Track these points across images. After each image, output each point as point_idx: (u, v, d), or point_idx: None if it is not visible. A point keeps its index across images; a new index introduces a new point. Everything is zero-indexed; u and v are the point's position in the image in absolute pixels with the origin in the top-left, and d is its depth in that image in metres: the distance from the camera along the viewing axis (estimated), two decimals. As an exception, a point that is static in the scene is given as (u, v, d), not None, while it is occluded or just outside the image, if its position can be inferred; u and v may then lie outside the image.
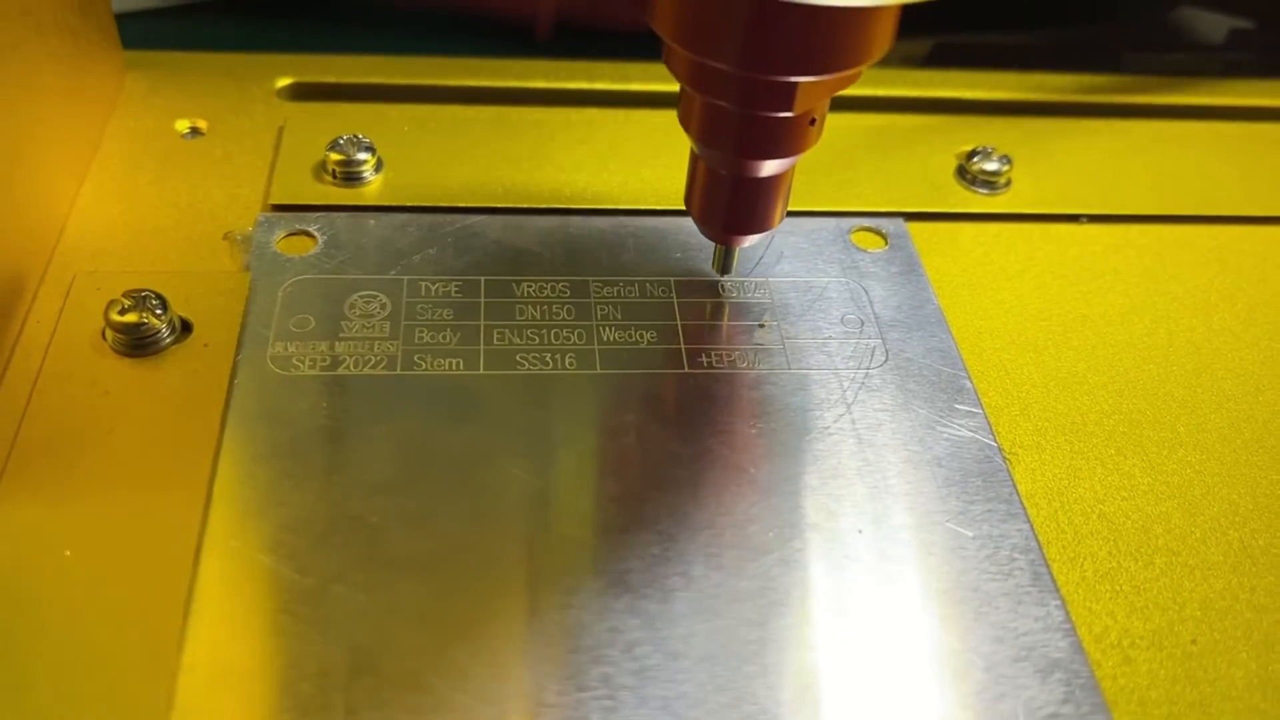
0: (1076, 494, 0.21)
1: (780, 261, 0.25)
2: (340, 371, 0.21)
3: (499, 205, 0.26)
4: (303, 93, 0.30)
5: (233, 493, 0.19)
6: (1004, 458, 0.21)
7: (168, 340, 0.22)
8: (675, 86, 0.21)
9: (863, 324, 0.24)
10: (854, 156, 0.29)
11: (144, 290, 0.22)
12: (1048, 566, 0.20)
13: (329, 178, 0.26)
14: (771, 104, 0.19)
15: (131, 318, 0.21)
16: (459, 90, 0.30)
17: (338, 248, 0.24)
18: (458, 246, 0.25)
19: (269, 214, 0.25)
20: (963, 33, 0.38)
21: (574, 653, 0.18)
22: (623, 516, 0.20)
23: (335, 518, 0.19)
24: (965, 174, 0.28)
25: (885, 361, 0.23)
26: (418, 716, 0.17)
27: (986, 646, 0.18)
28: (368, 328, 0.22)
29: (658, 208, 0.26)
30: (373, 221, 0.25)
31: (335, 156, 0.26)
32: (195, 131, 0.28)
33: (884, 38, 0.19)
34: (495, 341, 0.22)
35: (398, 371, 0.22)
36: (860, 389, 0.22)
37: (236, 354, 0.22)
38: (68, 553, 0.18)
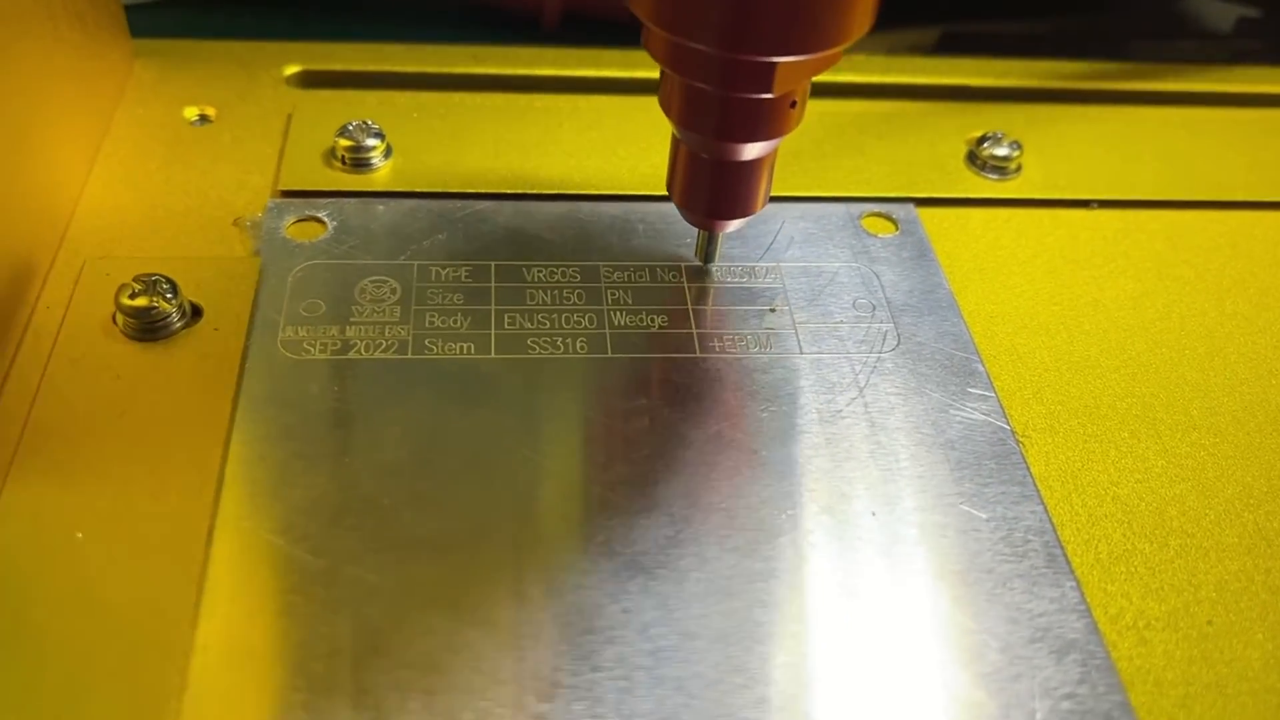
0: (1090, 477, 0.21)
1: (791, 247, 0.25)
2: (351, 356, 0.21)
3: (508, 191, 0.26)
4: (311, 80, 0.30)
5: (244, 475, 0.19)
6: (1017, 441, 0.21)
7: (178, 325, 0.22)
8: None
9: (874, 308, 0.24)
10: (864, 143, 0.29)
11: (154, 275, 0.22)
12: (1062, 548, 0.19)
13: (338, 164, 0.26)
14: (751, 85, 0.19)
15: (142, 302, 0.21)
16: (468, 78, 0.30)
17: (347, 233, 0.24)
18: (467, 232, 0.25)
19: (278, 200, 0.25)
20: (972, 21, 0.38)
21: (588, 633, 0.18)
22: (635, 499, 0.20)
23: (347, 500, 0.19)
24: (975, 159, 0.28)
25: (897, 345, 0.23)
26: (431, 696, 0.17)
27: (1001, 627, 0.18)
28: (378, 312, 0.22)
29: (667, 193, 0.26)
30: (382, 207, 0.25)
31: (344, 143, 0.26)
32: (204, 119, 0.28)
33: (864, 17, 0.18)
34: (506, 326, 0.22)
35: (409, 356, 0.22)
36: (872, 373, 0.22)
37: (247, 338, 0.22)
38: (80, 535, 0.18)
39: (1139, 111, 0.32)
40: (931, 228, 0.26)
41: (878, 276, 0.24)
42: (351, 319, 0.22)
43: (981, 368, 0.23)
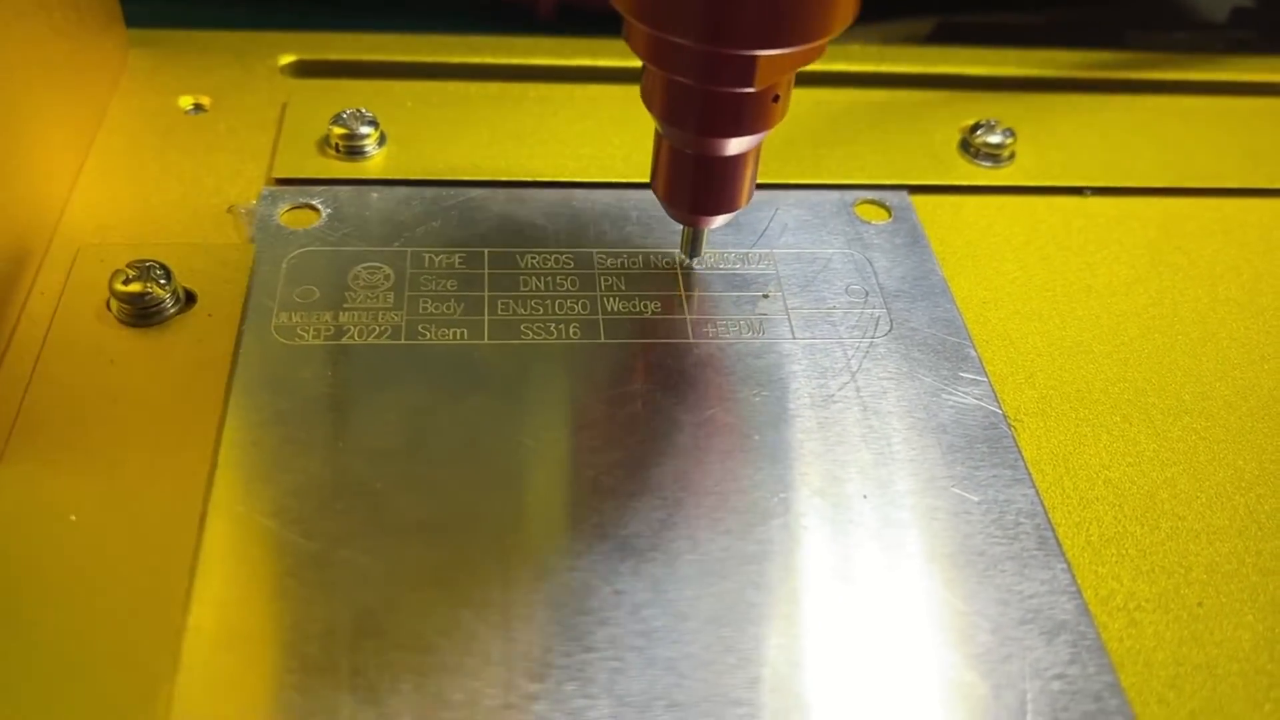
0: (1082, 460, 0.21)
1: (784, 234, 0.25)
2: (345, 341, 0.21)
3: (502, 179, 0.26)
4: (306, 70, 0.30)
5: (238, 459, 0.19)
6: (1009, 424, 0.21)
7: (172, 310, 0.22)
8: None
9: (867, 294, 0.24)
10: (857, 130, 0.29)
11: (148, 261, 0.22)
12: (1053, 530, 0.20)
13: (332, 152, 0.26)
14: (732, 79, 0.19)
15: (135, 287, 0.21)
16: (462, 67, 0.30)
17: (341, 220, 0.24)
18: (461, 219, 0.25)
19: (273, 188, 0.25)
20: (966, 11, 0.38)
21: (581, 615, 0.18)
22: (628, 482, 0.20)
23: (340, 483, 0.19)
24: (969, 147, 0.28)
25: (890, 331, 0.23)
26: (423, 677, 0.17)
27: (992, 609, 0.18)
28: (372, 298, 0.22)
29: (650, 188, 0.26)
30: (376, 195, 0.25)
31: (338, 130, 0.26)
32: (199, 108, 0.28)
33: (846, 10, 0.18)
34: (499, 312, 0.22)
35: (402, 341, 0.22)
36: (865, 357, 0.22)
37: (241, 324, 0.22)
38: (73, 518, 0.18)
39: (1132, 100, 0.32)
40: (925, 215, 0.26)
41: (871, 263, 0.25)
42: (345, 305, 0.22)
43: (974, 353, 0.23)
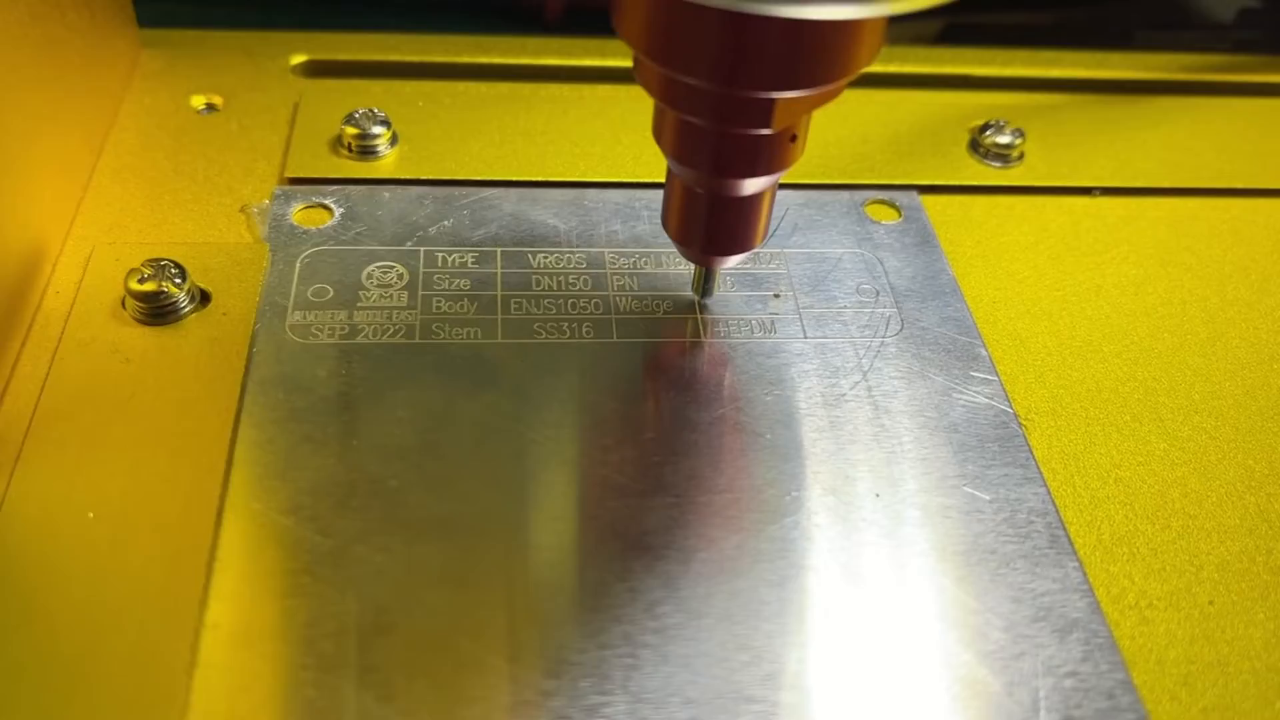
0: (1092, 459, 0.21)
1: (795, 233, 0.25)
2: (359, 340, 0.22)
3: (514, 178, 0.26)
4: (318, 70, 0.30)
5: (253, 456, 0.19)
6: (1020, 424, 0.21)
7: (187, 309, 0.22)
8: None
9: (878, 294, 0.24)
10: (867, 131, 0.29)
11: (163, 259, 0.22)
12: (1065, 529, 0.20)
13: (345, 151, 0.26)
14: (749, 121, 0.18)
15: (151, 286, 0.21)
16: (473, 67, 0.30)
17: (354, 220, 0.24)
18: (474, 218, 0.25)
19: (285, 187, 0.25)
20: (975, 12, 0.38)
21: (595, 612, 0.18)
22: (641, 480, 0.20)
23: (355, 481, 0.19)
24: (978, 147, 0.28)
25: (900, 330, 0.23)
26: (438, 673, 0.17)
27: (1005, 606, 0.18)
28: (386, 297, 0.22)
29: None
30: (388, 194, 0.25)
31: (351, 130, 0.26)
32: (211, 108, 0.28)
33: (868, 51, 0.17)
34: (513, 311, 0.23)
35: (416, 340, 0.22)
36: (876, 357, 0.22)
37: (255, 322, 0.22)
38: (91, 515, 0.19)
39: (1141, 100, 0.32)
40: (934, 214, 0.26)
41: (881, 262, 0.25)
42: (359, 304, 0.22)
43: (984, 352, 0.23)
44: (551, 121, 0.28)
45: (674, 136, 0.19)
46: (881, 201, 0.26)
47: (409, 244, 0.24)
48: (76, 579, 0.18)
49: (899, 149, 0.28)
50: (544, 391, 0.21)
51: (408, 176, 0.26)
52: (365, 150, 0.26)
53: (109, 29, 0.27)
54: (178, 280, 0.22)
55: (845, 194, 0.26)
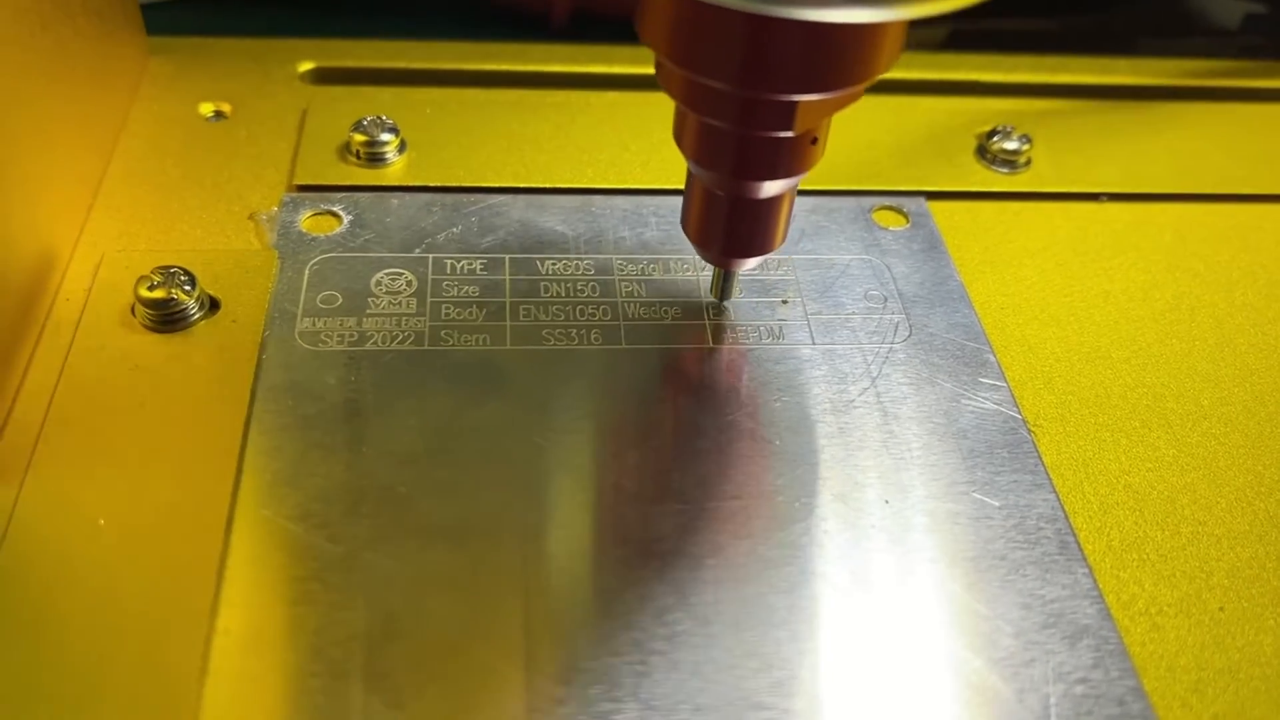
0: (1101, 465, 0.21)
1: (803, 240, 0.25)
2: (368, 347, 0.22)
3: (522, 185, 0.26)
4: (325, 76, 0.30)
5: (263, 463, 0.19)
6: (1029, 430, 0.21)
7: (196, 316, 0.22)
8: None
9: (886, 300, 0.24)
10: (874, 137, 0.29)
11: (173, 266, 0.22)
12: (1074, 535, 0.20)
13: (353, 158, 0.26)
14: (771, 123, 0.18)
15: (160, 293, 0.22)
16: (480, 74, 0.30)
17: (363, 227, 0.24)
18: (482, 225, 0.25)
19: (294, 194, 0.25)
20: (981, 18, 0.38)
21: (605, 618, 0.18)
22: (650, 487, 0.20)
23: (365, 488, 0.19)
24: (985, 153, 0.28)
25: (909, 336, 0.23)
26: (448, 681, 0.17)
27: (1015, 613, 0.18)
28: (395, 304, 0.23)
29: (679, 187, 0.26)
30: (397, 201, 0.25)
31: (359, 138, 0.26)
32: (219, 115, 0.28)
33: (890, 54, 0.17)
34: (521, 318, 0.23)
35: (425, 347, 0.22)
36: (884, 363, 0.22)
37: (265, 330, 0.22)
38: (101, 522, 0.19)
39: (1148, 106, 0.32)
40: (942, 221, 0.26)
41: (889, 269, 0.25)
42: (368, 311, 0.22)
43: (993, 358, 0.23)
44: (559, 128, 0.28)
45: (695, 139, 0.19)
46: (889, 208, 0.26)
47: (417, 251, 0.24)
48: (87, 585, 0.18)
49: (906, 155, 0.28)
50: (552, 398, 0.21)
51: (416, 183, 0.26)
52: (373, 157, 0.26)
53: (118, 37, 0.27)
54: (187, 287, 0.22)
55: (853, 200, 0.27)
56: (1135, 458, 0.22)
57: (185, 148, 0.27)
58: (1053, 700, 0.17)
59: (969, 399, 0.22)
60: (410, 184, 0.26)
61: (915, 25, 0.19)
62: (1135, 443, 0.22)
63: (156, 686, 0.17)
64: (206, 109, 0.28)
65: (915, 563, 0.19)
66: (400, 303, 0.23)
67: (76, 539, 0.18)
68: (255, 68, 0.30)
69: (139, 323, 0.22)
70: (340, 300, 0.22)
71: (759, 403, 0.21)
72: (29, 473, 0.19)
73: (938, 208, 0.27)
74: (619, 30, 0.33)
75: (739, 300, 0.23)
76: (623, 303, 0.23)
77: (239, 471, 0.19)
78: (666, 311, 0.23)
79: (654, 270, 0.24)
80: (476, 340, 0.22)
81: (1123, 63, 0.33)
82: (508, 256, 0.24)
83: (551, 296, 0.23)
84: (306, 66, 0.30)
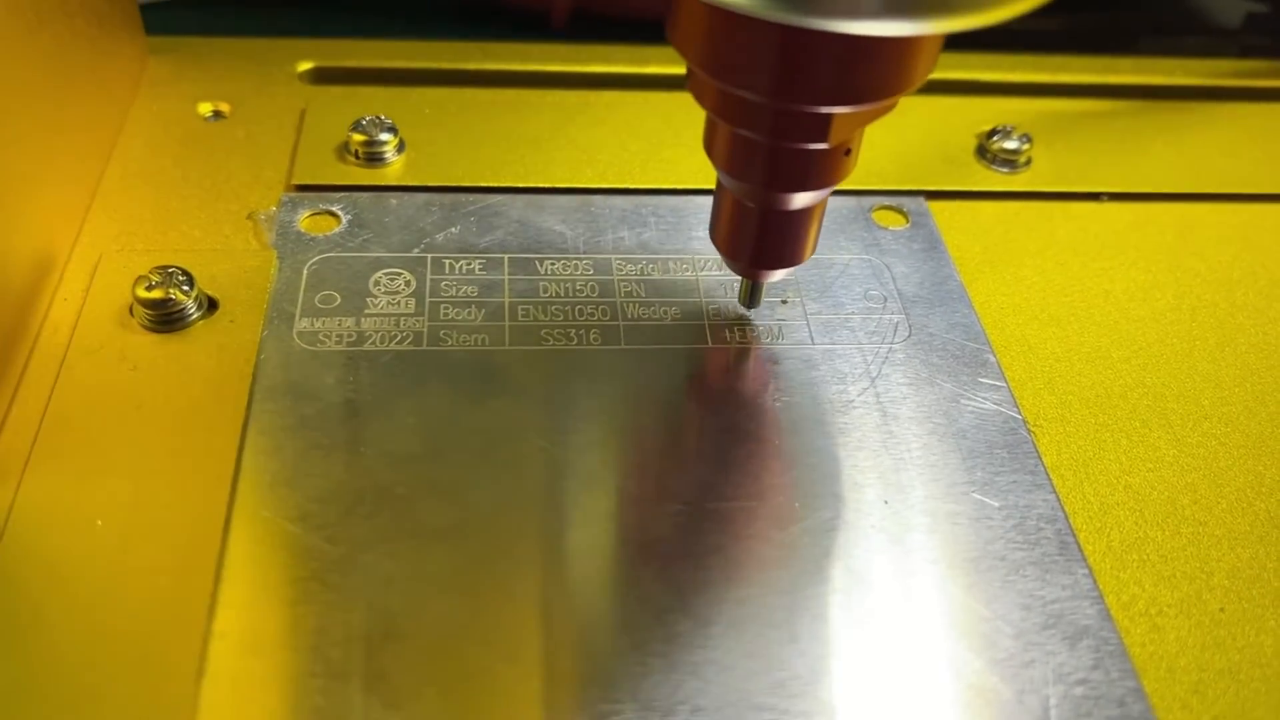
0: (1102, 465, 0.21)
1: (802, 239, 0.25)
2: (366, 347, 0.22)
3: (520, 185, 0.26)
4: (324, 76, 0.30)
5: (261, 464, 0.19)
6: (1028, 430, 0.21)
7: (194, 316, 0.22)
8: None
9: (885, 300, 0.24)
10: (874, 136, 0.29)
11: (171, 267, 0.22)
12: (1074, 536, 0.20)
13: (351, 158, 0.26)
14: (805, 135, 0.18)
15: (158, 293, 0.22)
16: (479, 74, 0.30)
17: (361, 226, 0.24)
18: (480, 225, 0.25)
19: (292, 194, 0.25)
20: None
21: (604, 619, 0.18)
22: (649, 487, 0.20)
23: (363, 489, 0.19)
24: (985, 153, 0.28)
25: (908, 336, 0.23)
26: (446, 681, 0.17)
27: (1015, 613, 0.18)
28: (393, 304, 0.22)
29: (678, 187, 0.26)
30: (395, 201, 0.25)
31: (358, 137, 0.26)
32: (218, 114, 0.28)
33: (926, 63, 0.17)
34: (520, 318, 0.23)
35: (423, 347, 0.22)
36: (884, 363, 0.22)
37: (263, 330, 0.22)
38: (99, 523, 0.19)
39: (1148, 106, 0.32)
40: (942, 220, 0.26)
41: (889, 268, 0.25)
42: (366, 311, 0.22)
43: (993, 358, 0.23)
44: (558, 128, 0.28)
45: (727, 150, 0.19)
46: (889, 207, 0.26)
47: (416, 251, 0.24)
48: (84, 586, 0.18)
49: (906, 155, 0.28)
50: (551, 398, 0.21)
51: (414, 183, 0.26)
52: (372, 157, 0.26)
53: (116, 36, 0.27)
54: (185, 287, 0.22)
55: (853, 200, 0.26)
56: (1135, 458, 0.21)
57: (184, 148, 0.27)
58: (1053, 701, 0.17)
59: (969, 399, 0.22)
60: (409, 184, 0.26)
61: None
62: (1135, 443, 0.22)
63: (154, 688, 0.17)
64: (205, 109, 0.28)
65: (915, 563, 0.19)
66: (399, 303, 0.23)
67: (74, 540, 0.18)
68: (254, 68, 0.30)
69: (137, 323, 0.22)
70: (339, 300, 0.22)
71: (758, 403, 0.21)
72: (26, 473, 0.19)
73: (938, 207, 0.27)
74: (619, 30, 0.34)
75: (738, 300, 0.23)
76: (622, 303, 0.23)
77: (237, 472, 0.19)
78: (665, 312, 0.23)
79: (653, 270, 0.24)
80: (475, 340, 0.22)
81: (1123, 62, 0.33)
82: (506, 256, 0.24)
83: (550, 296, 0.23)
84: (305, 66, 0.30)
